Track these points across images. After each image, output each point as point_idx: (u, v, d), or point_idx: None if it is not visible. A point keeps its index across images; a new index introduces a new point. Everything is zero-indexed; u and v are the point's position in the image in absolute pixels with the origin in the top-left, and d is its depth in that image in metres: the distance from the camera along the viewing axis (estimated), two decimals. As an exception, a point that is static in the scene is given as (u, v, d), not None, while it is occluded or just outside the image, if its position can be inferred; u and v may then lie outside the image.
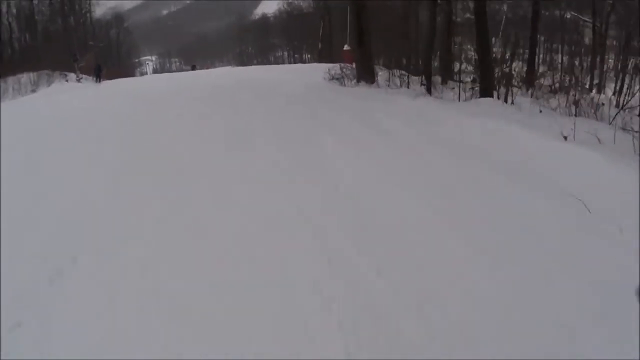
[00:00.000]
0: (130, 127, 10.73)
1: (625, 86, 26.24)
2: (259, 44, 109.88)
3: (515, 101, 12.26)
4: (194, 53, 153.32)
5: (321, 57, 39.60)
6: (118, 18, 68.16)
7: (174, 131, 10.04)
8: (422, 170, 6.74)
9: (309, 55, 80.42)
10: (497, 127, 8.43)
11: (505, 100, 12.56)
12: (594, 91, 22.75)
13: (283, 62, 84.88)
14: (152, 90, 19.70)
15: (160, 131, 10.08)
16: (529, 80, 16.74)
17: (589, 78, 24.46)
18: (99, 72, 30.96)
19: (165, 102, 15.04)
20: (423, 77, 16.30)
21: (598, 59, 31.60)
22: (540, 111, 10.46)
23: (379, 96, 14.41)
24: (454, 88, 15.19)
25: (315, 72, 22.31)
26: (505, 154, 7.23)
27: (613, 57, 32.04)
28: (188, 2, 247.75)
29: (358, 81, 18.01)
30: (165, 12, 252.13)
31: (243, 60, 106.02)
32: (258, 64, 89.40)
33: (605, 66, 30.69)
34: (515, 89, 13.53)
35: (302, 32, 78.63)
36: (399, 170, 6.73)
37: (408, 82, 17.08)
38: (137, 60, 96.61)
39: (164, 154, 7.98)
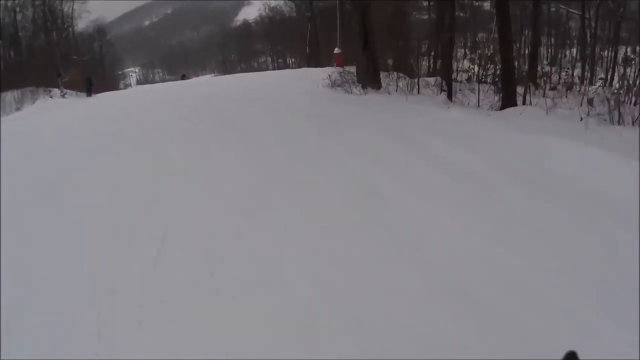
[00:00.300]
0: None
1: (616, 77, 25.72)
2: (242, 50, 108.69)
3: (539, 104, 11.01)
4: (176, 62, 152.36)
5: (310, 62, 38.05)
6: (100, 31, 66.29)
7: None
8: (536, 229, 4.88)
9: (293, 60, 79.38)
10: (575, 149, 6.87)
11: (524, 102, 11.60)
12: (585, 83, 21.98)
13: (267, 68, 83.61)
14: (148, 111, 16.33)
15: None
16: (533, 79, 15.85)
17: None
18: (90, 86, 30.14)
19: (169, 129, 12.03)
20: (443, 82, 14.84)
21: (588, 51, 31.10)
22: (581, 119, 9.13)
23: (401, 107, 12.70)
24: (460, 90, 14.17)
25: (309, 79, 20.83)
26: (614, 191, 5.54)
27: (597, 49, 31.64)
28: (169, 12, 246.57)
29: (363, 87, 16.58)
30: (147, 22, 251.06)
31: (226, 67, 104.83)
32: (242, 70, 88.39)
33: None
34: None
35: (285, 36, 77.19)
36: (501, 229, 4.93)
37: (418, 86, 15.68)
38: (120, 72, 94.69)
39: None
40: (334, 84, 17.62)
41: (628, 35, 30.78)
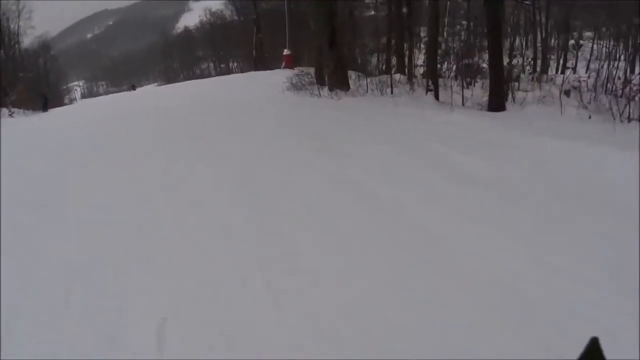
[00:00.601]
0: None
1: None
2: (184, 58, 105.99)
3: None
4: (120, 74, 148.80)
5: (257, 65, 35.89)
6: (45, 46, 63.18)
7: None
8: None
9: (235, 64, 77.29)
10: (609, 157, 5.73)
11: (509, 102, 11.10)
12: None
13: (210, 74, 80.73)
14: (101, 126, 13.47)
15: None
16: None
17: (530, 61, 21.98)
18: (45, 101, 30.05)
19: (131, 145, 9.92)
20: (429, 81, 13.11)
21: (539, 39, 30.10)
22: (590, 117, 8.57)
23: (392, 111, 11.12)
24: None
25: (265, 83, 19.09)
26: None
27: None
28: (111, 23, 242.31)
29: (330, 89, 14.72)
30: (89, 35, 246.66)
31: (169, 76, 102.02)
32: (185, 78, 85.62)
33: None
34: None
35: (227, 41, 75.09)
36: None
37: (392, 87, 13.93)
38: (65, 87, 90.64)
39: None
40: (295, 87, 15.76)
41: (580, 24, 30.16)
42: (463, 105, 11.56)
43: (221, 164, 7.40)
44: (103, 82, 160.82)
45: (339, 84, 14.77)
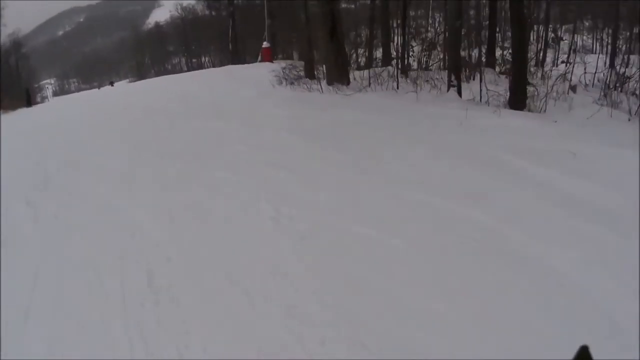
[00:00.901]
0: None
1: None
2: (155, 53, 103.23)
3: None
4: (91, 71, 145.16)
5: (234, 59, 34.04)
6: (16, 44, 60.71)
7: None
8: None
9: (207, 59, 75.19)
10: None
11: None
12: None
13: (181, 69, 78.38)
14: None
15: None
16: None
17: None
18: (29, 97, 30.41)
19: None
20: (452, 76, 11.63)
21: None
22: (629, 119, 8.20)
23: (418, 109, 9.66)
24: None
25: (246, 77, 17.48)
26: None
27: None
28: (82, 20, 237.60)
29: (329, 83, 13.23)
30: (60, 32, 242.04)
31: (140, 71, 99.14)
32: (156, 74, 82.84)
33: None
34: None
35: (199, 35, 72.97)
36: None
37: (397, 81, 12.58)
38: (37, 85, 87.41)
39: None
40: (287, 82, 14.29)
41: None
42: (481, 101, 10.39)
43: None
44: (74, 80, 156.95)
45: (340, 77, 13.29)
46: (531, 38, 30.10)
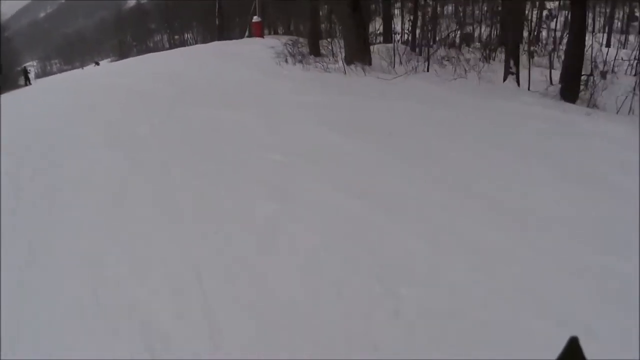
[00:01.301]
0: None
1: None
2: (137, 31, 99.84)
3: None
4: (72, 52, 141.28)
5: (221, 35, 31.41)
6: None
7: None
8: None
9: (189, 36, 72.12)
10: None
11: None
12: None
13: (163, 47, 75.13)
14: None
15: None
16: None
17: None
18: (26, 74, 32.22)
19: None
20: (511, 62, 9.56)
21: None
22: None
23: (488, 103, 7.72)
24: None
25: (240, 55, 15.45)
26: None
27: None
28: (63, 1, 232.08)
29: (348, 62, 11.09)
30: (42, 14, 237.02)
31: (122, 50, 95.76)
32: (139, 52, 79.45)
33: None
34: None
35: (181, 12, 70.06)
36: None
37: (428, 63, 10.83)
38: (19, 68, 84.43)
39: None
40: (295, 60, 12.23)
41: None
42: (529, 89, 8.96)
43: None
44: (56, 61, 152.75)
45: (362, 56, 11.18)
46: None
